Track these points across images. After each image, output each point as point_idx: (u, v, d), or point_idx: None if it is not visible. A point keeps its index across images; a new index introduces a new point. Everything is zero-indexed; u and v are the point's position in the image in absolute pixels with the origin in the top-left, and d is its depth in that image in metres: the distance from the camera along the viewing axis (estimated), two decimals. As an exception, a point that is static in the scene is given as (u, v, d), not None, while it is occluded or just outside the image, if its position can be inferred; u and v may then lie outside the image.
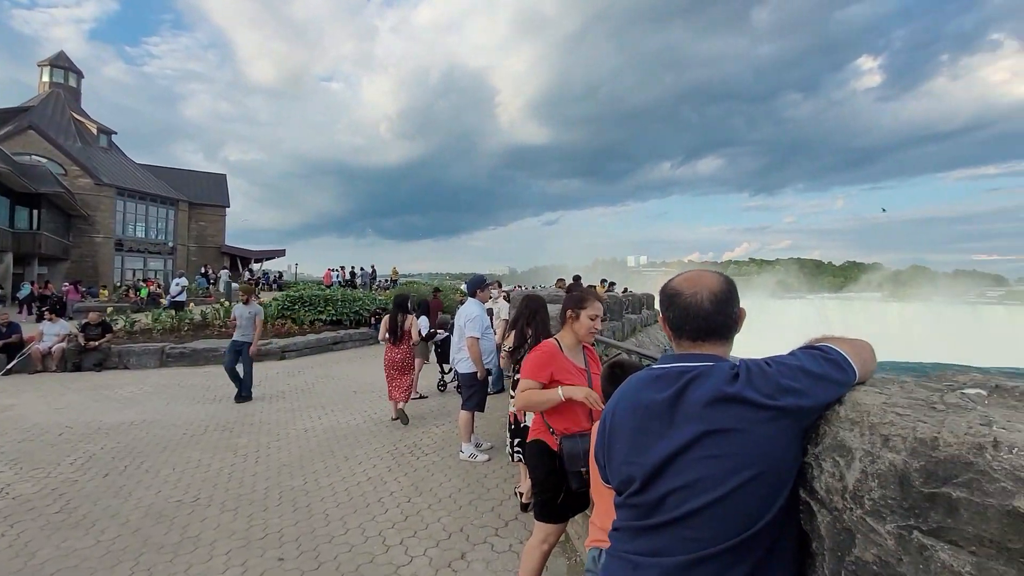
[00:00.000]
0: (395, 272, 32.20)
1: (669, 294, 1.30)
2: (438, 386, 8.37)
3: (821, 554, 1.08)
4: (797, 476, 1.12)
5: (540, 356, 2.52)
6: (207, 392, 8.12)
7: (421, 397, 7.76)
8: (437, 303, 10.72)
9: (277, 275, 39.41)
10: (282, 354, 11.75)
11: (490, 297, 6.97)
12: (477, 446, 5.21)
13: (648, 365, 1.75)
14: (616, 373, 2.13)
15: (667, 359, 1.29)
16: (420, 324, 7.89)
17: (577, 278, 15.67)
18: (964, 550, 0.82)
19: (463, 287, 25.12)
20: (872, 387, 1.14)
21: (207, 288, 25.47)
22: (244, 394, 7.63)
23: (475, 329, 4.73)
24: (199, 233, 36.99)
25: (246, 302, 8.06)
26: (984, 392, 1.11)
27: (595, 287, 16.88)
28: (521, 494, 3.91)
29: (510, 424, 3.68)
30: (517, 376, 3.52)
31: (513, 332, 3.65)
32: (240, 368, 7.73)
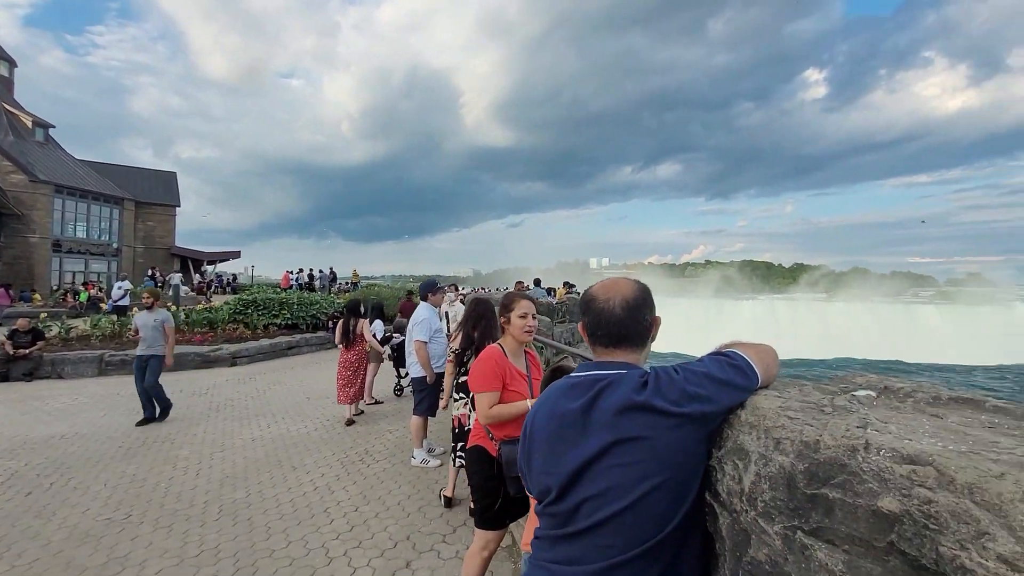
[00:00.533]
0: (356, 275, 31.53)
1: (586, 300, 1.32)
2: (394, 390, 8.25)
3: (723, 555, 1.12)
4: (703, 479, 1.15)
5: (488, 363, 2.49)
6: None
7: (376, 402, 7.62)
8: (412, 306, 10.59)
9: (231, 278, 37.92)
10: (233, 360, 11.30)
11: (443, 301, 6.93)
12: (429, 451, 5.15)
13: None
14: (556, 379, 2.14)
15: (583, 367, 1.31)
16: (375, 328, 7.77)
17: (537, 281, 15.80)
18: (839, 548, 0.85)
19: None
20: (773, 391, 1.19)
21: (154, 292, 24.25)
22: (154, 416, 6.61)
23: (422, 333, 4.67)
24: (147, 234, 35.20)
25: (150, 308, 6.79)
26: (873, 394, 1.17)
27: (557, 289, 17.03)
28: (446, 498, 3.95)
29: (454, 428, 3.66)
30: (463, 379, 3.53)
31: (460, 335, 3.63)
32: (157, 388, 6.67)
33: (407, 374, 6.32)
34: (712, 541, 1.16)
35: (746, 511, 1.03)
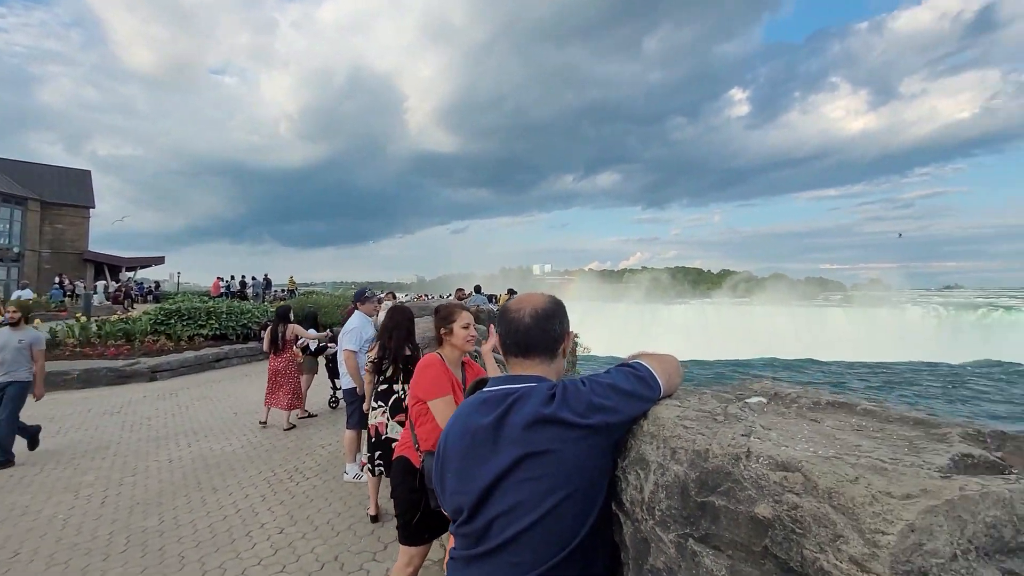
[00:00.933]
0: (292, 282, 30.20)
1: (501, 312, 1.34)
2: (329, 402, 7.95)
3: (627, 563, 1.14)
4: (609, 489, 1.17)
5: (432, 369, 2.42)
6: (52, 423, 6.97)
7: (309, 415, 7.31)
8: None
9: (154, 285, 35.24)
10: (152, 375, 10.48)
11: (380, 309, 6.78)
12: (363, 466, 4.99)
13: None
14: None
15: (495, 381, 1.31)
16: (309, 336, 7.46)
17: (478, 288, 15.74)
18: (723, 554, 0.89)
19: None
20: (674, 400, 1.23)
21: (62, 301, 22.11)
22: (12, 459, 5.37)
23: (352, 342, 4.53)
24: (55, 237, 32.09)
25: (14, 325, 5.59)
26: (764, 400, 1.24)
27: (499, 296, 17.07)
28: (371, 515, 3.87)
29: (370, 437, 3.58)
30: (381, 387, 3.50)
31: (378, 344, 3.60)
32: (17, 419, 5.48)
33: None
34: (617, 550, 1.19)
35: (646, 520, 1.06)
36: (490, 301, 15.20)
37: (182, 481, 4.85)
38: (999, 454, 0.81)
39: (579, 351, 19.11)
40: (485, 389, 1.31)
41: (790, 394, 1.23)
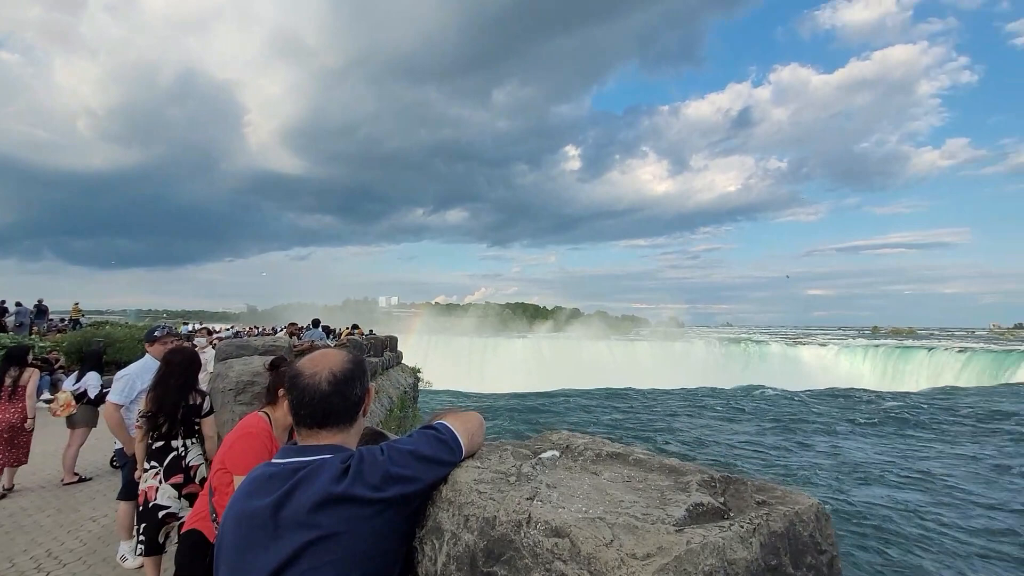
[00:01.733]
0: (77, 309, 24.12)
1: (291, 376, 1.20)
2: (111, 462, 6.44)
3: (421, 643, 1.09)
4: (406, 560, 1.12)
5: (251, 440, 2.09)
6: None
7: (81, 480, 5.87)
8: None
9: None
10: None
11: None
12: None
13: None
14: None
15: (285, 452, 1.17)
16: (87, 382, 6.01)
17: (316, 321, 14.50)
18: (506, 626, 0.90)
19: (182, 327, 20.35)
20: (475, 460, 1.23)
21: None
22: None
23: (117, 393, 3.64)
24: None
25: None
26: (557, 453, 1.31)
27: (341, 330, 15.95)
28: None
29: (138, 506, 2.99)
30: (157, 444, 2.98)
31: (151, 394, 3.06)
32: None
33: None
34: (413, 628, 1.13)
35: (437, 595, 1.03)
36: (328, 336, 14.10)
37: None
38: (722, 499, 0.97)
39: (421, 385, 18.75)
40: (272, 461, 1.16)
41: (579, 446, 1.32)
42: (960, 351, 41.44)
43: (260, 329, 26.45)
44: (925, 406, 22.86)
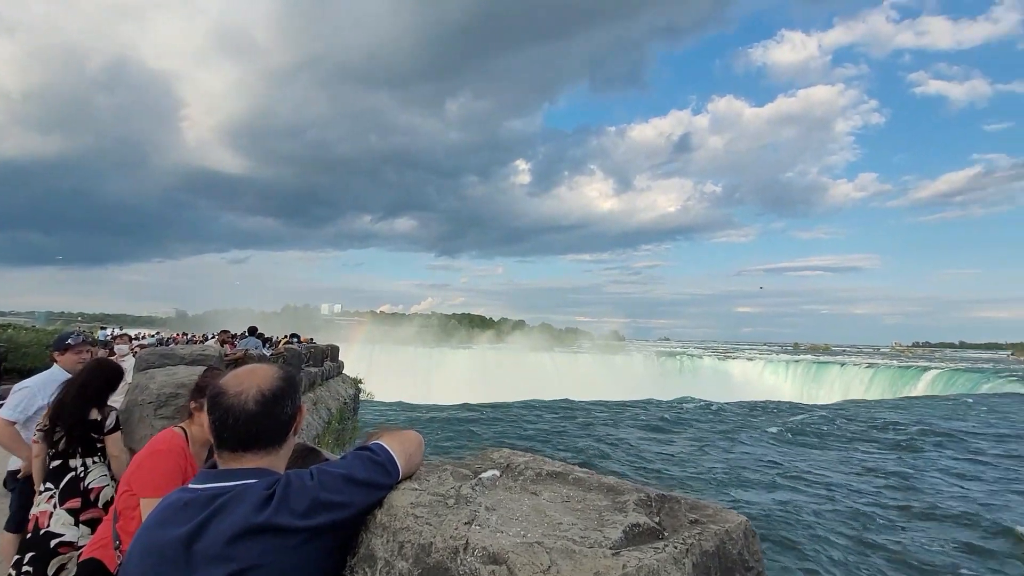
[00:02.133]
0: None
1: (213, 394, 1.10)
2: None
3: None
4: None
5: (168, 460, 1.91)
6: None
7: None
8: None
9: None
10: None
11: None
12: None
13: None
14: None
15: (203, 477, 1.08)
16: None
17: (252, 329, 13.62)
18: (439, 658, 0.86)
19: (99, 333, 18.60)
20: (413, 482, 1.18)
21: None
22: None
23: (11, 408, 3.21)
24: None
25: None
26: (498, 473, 1.29)
27: (278, 340, 15.09)
28: None
29: (25, 532, 2.68)
30: (55, 464, 2.69)
31: (51, 406, 2.78)
32: None
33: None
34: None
35: (368, 628, 0.97)
36: (265, 345, 13.33)
37: None
38: (657, 519, 0.99)
39: (363, 396, 18.14)
40: (190, 486, 1.07)
41: (519, 465, 1.31)
42: (868, 367, 45.60)
43: (189, 336, 24.64)
44: (831, 417, 24.92)
